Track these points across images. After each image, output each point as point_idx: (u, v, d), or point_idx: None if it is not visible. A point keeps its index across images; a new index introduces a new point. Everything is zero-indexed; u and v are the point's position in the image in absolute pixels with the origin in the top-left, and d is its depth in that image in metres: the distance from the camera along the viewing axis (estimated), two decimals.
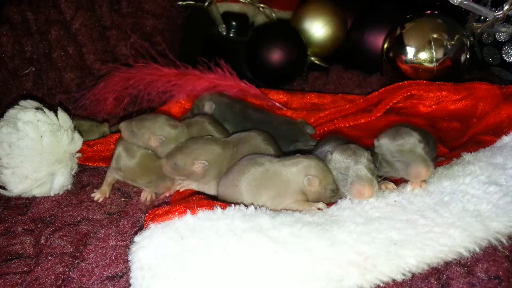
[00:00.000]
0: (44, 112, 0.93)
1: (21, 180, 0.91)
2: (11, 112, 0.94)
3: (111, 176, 0.94)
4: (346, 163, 0.75)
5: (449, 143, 1.01)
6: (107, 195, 0.93)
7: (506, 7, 1.12)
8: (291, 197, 0.76)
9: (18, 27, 1.23)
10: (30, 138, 0.90)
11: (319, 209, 0.74)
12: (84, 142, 1.00)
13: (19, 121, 0.91)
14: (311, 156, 0.81)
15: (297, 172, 0.77)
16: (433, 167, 0.77)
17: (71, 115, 1.00)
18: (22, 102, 0.97)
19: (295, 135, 1.02)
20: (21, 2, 1.24)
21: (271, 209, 0.74)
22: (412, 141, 0.77)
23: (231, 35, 1.59)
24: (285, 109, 1.17)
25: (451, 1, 1.14)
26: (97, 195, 0.92)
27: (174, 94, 1.13)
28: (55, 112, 0.95)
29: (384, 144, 0.80)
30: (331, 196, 0.78)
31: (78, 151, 0.98)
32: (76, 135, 0.96)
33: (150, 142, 0.91)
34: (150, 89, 1.11)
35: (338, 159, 0.77)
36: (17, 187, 0.91)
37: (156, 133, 0.91)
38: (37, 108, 0.94)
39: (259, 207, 0.72)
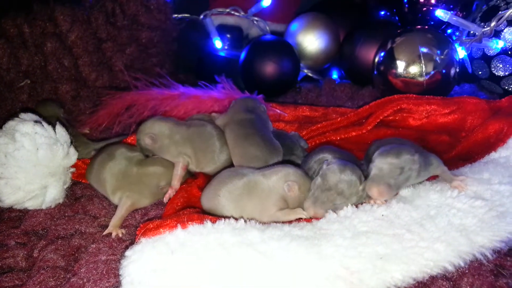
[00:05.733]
0: (43, 125, 0.95)
1: (14, 191, 0.91)
2: (10, 124, 0.95)
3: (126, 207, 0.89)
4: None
5: (438, 156, 1.02)
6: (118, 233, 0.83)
7: (493, 23, 1.15)
8: (275, 206, 0.78)
9: (14, 40, 1.25)
10: (26, 150, 0.91)
11: (306, 219, 0.76)
12: (81, 159, 1.02)
13: (17, 132, 0.92)
14: (288, 165, 0.84)
15: (277, 180, 0.80)
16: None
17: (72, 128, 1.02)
18: (22, 115, 0.98)
19: (291, 149, 1.04)
20: (18, 15, 1.26)
21: (259, 221, 0.75)
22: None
23: (226, 47, 1.61)
24: (286, 114, 1.19)
25: (440, 17, 1.16)
26: (110, 232, 0.83)
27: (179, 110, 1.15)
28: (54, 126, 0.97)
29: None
30: None
31: (73, 166, 0.99)
32: (72, 150, 0.97)
33: (145, 141, 0.95)
34: (154, 113, 1.13)
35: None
36: (9, 198, 0.92)
37: (145, 131, 0.95)
38: (35, 121, 0.96)
39: (249, 221, 0.73)
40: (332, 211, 0.76)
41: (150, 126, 0.96)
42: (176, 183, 0.94)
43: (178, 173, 0.94)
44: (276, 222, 0.76)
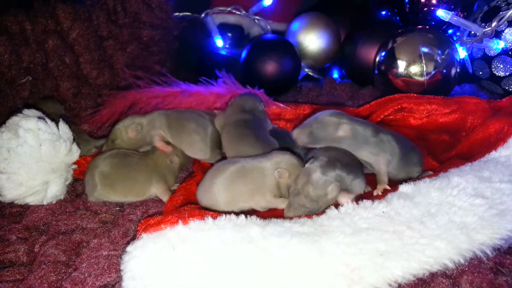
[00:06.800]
0: (46, 121, 0.95)
1: (16, 186, 0.91)
2: (13, 119, 0.96)
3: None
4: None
5: (438, 156, 1.03)
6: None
7: (494, 24, 1.15)
8: (269, 191, 0.82)
9: (16, 37, 1.24)
10: (29, 145, 0.91)
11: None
12: (82, 157, 1.02)
13: (20, 128, 0.93)
14: (284, 152, 0.87)
15: (270, 166, 0.83)
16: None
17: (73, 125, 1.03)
18: (26, 111, 0.98)
19: (291, 147, 1.04)
20: (19, 12, 1.26)
21: (254, 205, 0.83)
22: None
23: (227, 46, 1.61)
24: (289, 108, 1.20)
25: (441, 17, 1.17)
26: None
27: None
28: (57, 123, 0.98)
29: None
30: None
31: (75, 163, 0.99)
32: (74, 147, 0.98)
33: (129, 135, 1.00)
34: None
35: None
36: (11, 193, 0.92)
37: (126, 125, 1.00)
38: (39, 118, 0.96)
39: (250, 217, 0.73)
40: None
41: (130, 119, 1.02)
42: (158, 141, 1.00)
43: (156, 142, 1.00)
44: (272, 211, 0.81)
